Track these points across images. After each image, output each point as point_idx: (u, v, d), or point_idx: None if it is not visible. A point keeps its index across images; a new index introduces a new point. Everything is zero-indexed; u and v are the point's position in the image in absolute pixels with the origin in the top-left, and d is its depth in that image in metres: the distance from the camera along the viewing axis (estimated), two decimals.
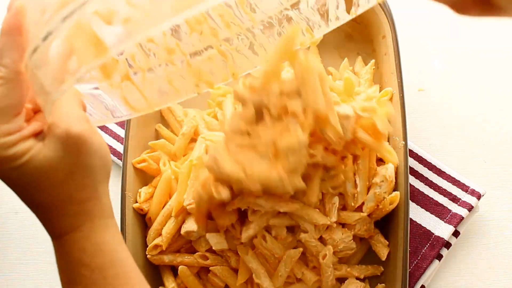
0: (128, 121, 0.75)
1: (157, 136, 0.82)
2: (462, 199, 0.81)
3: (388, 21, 0.76)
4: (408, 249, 0.72)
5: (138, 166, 0.77)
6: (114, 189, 0.83)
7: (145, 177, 0.79)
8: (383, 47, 0.79)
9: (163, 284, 0.77)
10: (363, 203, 0.74)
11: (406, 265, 0.71)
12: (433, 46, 0.87)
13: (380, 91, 0.79)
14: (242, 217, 0.72)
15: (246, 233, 0.71)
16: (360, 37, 0.83)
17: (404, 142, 0.74)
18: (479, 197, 0.81)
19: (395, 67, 0.75)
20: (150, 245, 0.76)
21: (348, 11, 0.53)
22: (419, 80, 0.86)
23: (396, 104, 0.75)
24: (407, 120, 0.74)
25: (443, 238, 0.80)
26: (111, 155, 0.83)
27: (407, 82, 0.76)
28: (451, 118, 0.85)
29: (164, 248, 0.75)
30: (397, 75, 0.75)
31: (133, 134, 0.76)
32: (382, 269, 0.77)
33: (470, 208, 0.80)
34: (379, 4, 0.76)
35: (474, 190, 0.81)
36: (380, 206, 0.74)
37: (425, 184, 0.82)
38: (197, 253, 0.76)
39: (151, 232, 0.76)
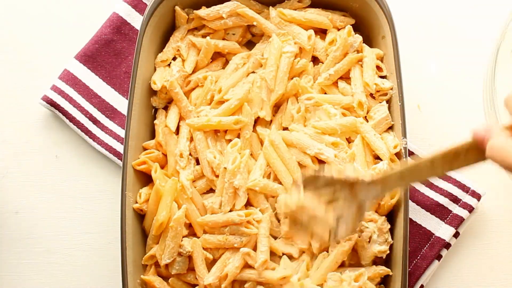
0: (128, 121, 0.75)
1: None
2: (463, 200, 0.81)
3: (388, 22, 0.76)
4: (408, 249, 0.72)
5: (138, 168, 0.77)
6: (114, 189, 0.84)
7: (146, 177, 0.79)
8: (383, 48, 0.79)
9: None
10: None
11: (405, 265, 0.71)
12: (433, 46, 0.87)
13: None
14: None
15: None
16: None
17: (405, 141, 0.74)
18: (479, 198, 0.81)
19: (394, 68, 0.75)
20: (146, 256, 0.76)
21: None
22: (418, 80, 0.86)
23: (396, 104, 0.75)
24: (407, 120, 0.74)
25: (444, 240, 0.80)
26: (111, 155, 0.84)
27: (406, 82, 0.76)
28: (451, 118, 0.85)
29: (162, 269, 0.76)
30: (397, 75, 0.75)
31: (133, 134, 0.76)
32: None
33: (471, 209, 0.81)
34: (379, 5, 0.77)
35: (474, 191, 0.81)
36: (382, 203, 0.75)
37: (425, 185, 0.82)
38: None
39: (148, 248, 0.77)
